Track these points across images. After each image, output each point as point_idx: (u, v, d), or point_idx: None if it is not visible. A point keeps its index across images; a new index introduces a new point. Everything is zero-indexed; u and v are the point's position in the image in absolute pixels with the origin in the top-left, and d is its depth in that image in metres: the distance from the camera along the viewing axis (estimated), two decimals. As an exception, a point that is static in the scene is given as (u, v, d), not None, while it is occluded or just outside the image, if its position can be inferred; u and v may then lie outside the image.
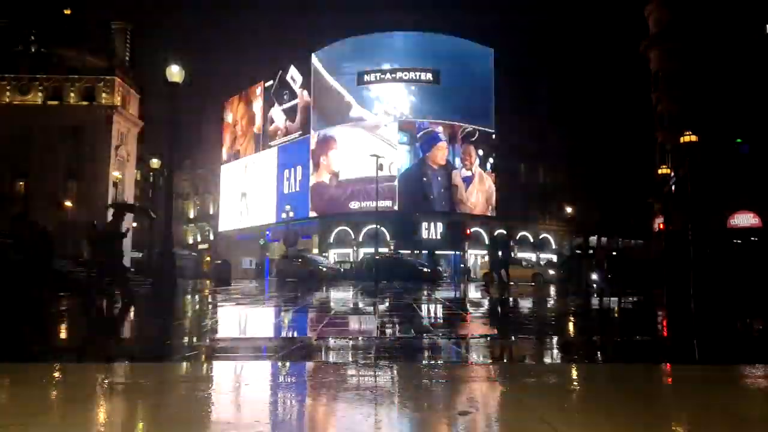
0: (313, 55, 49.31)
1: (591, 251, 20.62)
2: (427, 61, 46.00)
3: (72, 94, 53.29)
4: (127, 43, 56.93)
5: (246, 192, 58.27)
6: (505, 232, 21.60)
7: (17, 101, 52.53)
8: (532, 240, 51.70)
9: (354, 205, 45.03)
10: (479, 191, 47.08)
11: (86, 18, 56.33)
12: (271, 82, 55.15)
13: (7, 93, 52.76)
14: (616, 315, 9.88)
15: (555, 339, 6.62)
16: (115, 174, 45.26)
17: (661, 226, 33.20)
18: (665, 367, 4.83)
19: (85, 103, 53.24)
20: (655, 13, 39.59)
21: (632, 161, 49.89)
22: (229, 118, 63.25)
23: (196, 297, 15.08)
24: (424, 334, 6.64)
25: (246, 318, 9.33)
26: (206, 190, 70.83)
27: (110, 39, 55.94)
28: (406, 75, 45.94)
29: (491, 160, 47.79)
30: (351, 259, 40.22)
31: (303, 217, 46.37)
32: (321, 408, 3.34)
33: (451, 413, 3.07)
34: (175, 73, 12.60)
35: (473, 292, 17.14)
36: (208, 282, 26.50)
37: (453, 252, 43.88)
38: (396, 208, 44.11)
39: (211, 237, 67.54)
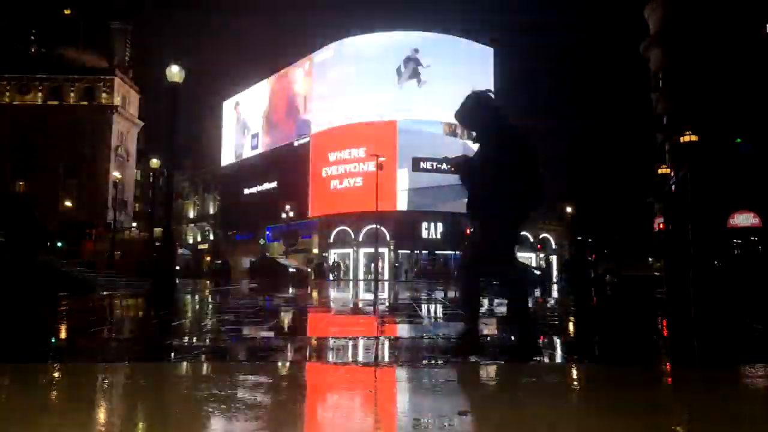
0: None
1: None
2: (427, 60, 46.06)
3: (72, 94, 53.33)
4: (127, 43, 56.97)
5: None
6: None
7: (17, 101, 52.57)
8: (532, 240, 51.68)
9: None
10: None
11: (86, 18, 56.41)
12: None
13: (7, 93, 52.79)
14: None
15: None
16: (115, 174, 45.26)
17: (661, 226, 33.25)
18: (665, 368, 4.83)
19: (85, 103, 53.30)
20: (655, 13, 39.59)
21: (632, 161, 49.94)
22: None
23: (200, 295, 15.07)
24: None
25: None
26: (206, 190, 70.70)
27: (110, 39, 55.98)
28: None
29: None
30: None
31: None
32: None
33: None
34: (175, 73, 12.60)
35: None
36: (207, 282, 26.49)
37: (453, 252, 43.91)
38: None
39: (211, 237, 67.47)
